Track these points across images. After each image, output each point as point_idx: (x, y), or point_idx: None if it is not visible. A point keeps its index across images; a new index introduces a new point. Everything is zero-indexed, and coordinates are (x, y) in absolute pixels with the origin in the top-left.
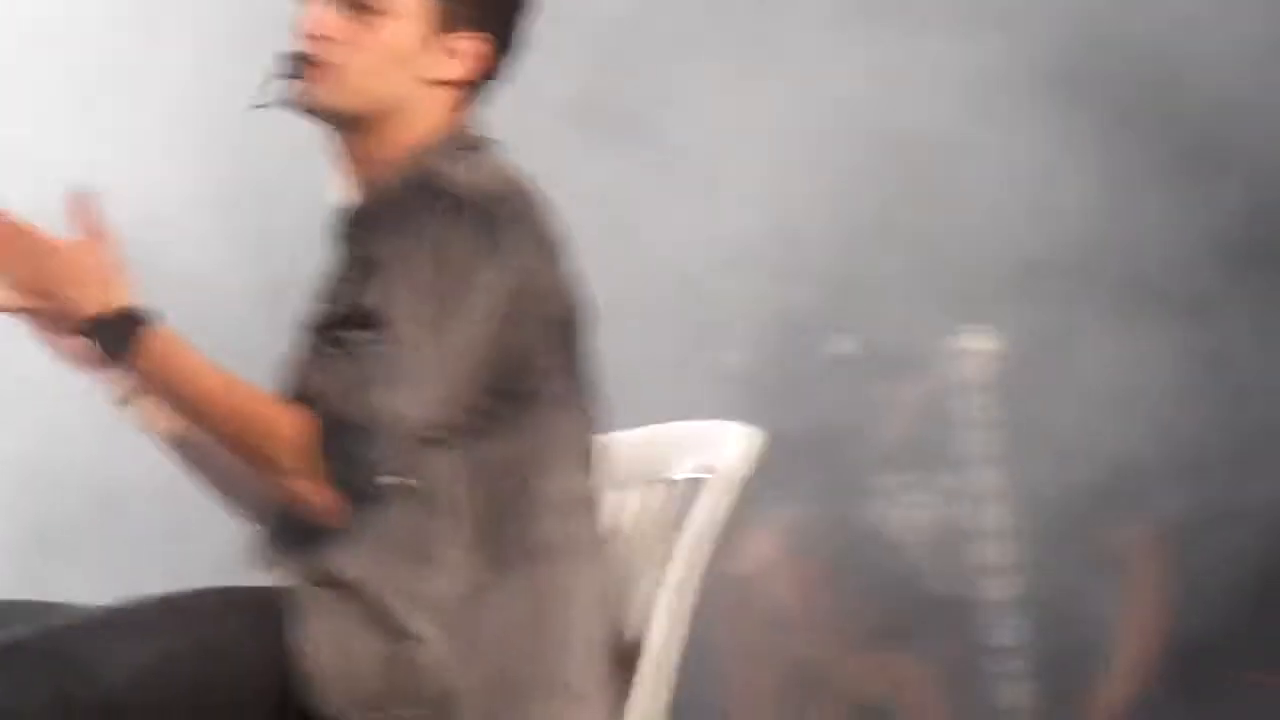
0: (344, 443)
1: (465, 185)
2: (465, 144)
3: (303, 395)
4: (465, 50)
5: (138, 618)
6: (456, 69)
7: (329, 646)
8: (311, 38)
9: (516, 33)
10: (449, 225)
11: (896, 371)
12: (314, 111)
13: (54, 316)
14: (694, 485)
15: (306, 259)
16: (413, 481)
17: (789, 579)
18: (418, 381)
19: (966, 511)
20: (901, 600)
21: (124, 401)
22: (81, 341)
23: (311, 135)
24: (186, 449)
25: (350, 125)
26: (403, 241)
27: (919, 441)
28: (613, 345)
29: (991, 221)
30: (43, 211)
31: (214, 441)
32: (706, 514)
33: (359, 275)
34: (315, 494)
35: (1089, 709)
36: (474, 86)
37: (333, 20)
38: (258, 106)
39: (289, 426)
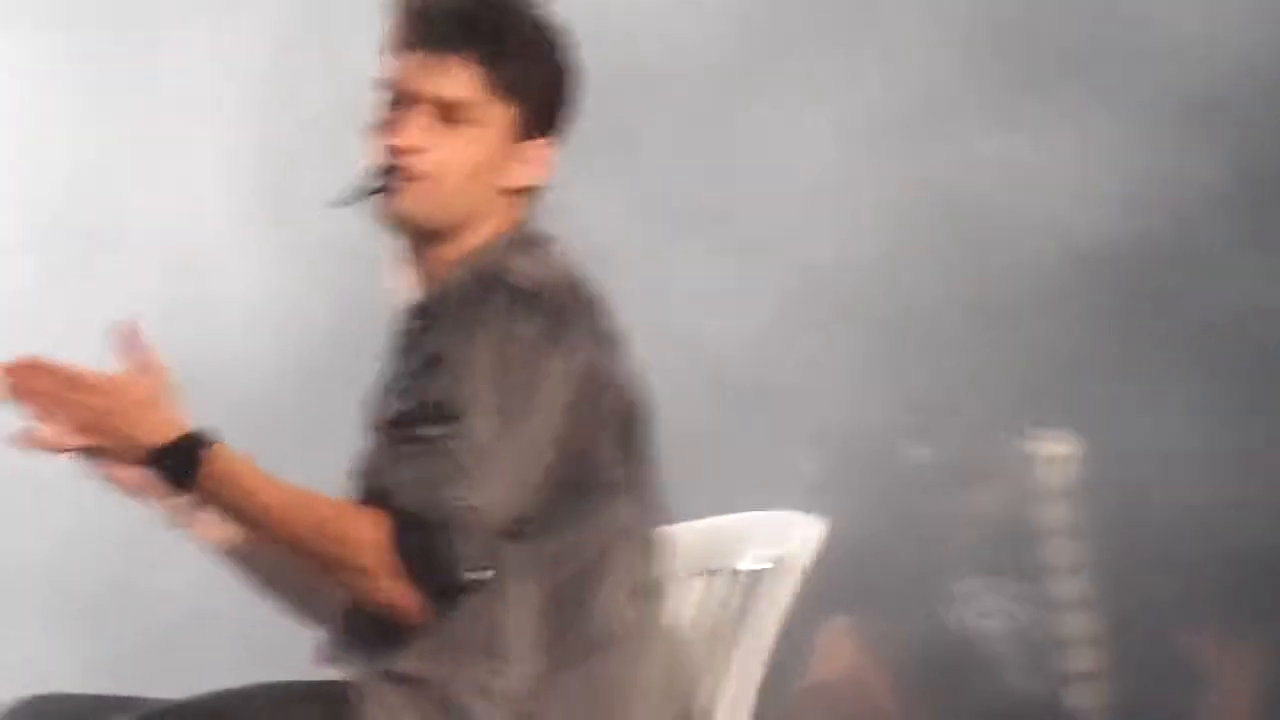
0: (423, 540)
1: (529, 278)
2: (529, 239)
3: (375, 494)
4: (537, 157)
5: (204, 711)
6: (529, 176)
7: None
8: (402, 149)
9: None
10: (514, 318)
11: (977, 478)
12: (400, 222)
13: (112, 454)
14: (757, 576)
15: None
16: (489, 575)
17: (872, 685)
18: (493, 475)
19: (1051, 619)
20: (986, 709)
21: (181, 523)
22: (142, 473)
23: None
24: (248, 560)
25: (429, 235)
26: (469, 335)
27: (1001, 548)
28: (688, 446)
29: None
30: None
31: (282, 552)
32: (769, 603)
33: (425, 370)
34: (398, 594)
35: None
36: (536, 187)
37: (424, 130)
38: (338, 205)
39: (367, 529)
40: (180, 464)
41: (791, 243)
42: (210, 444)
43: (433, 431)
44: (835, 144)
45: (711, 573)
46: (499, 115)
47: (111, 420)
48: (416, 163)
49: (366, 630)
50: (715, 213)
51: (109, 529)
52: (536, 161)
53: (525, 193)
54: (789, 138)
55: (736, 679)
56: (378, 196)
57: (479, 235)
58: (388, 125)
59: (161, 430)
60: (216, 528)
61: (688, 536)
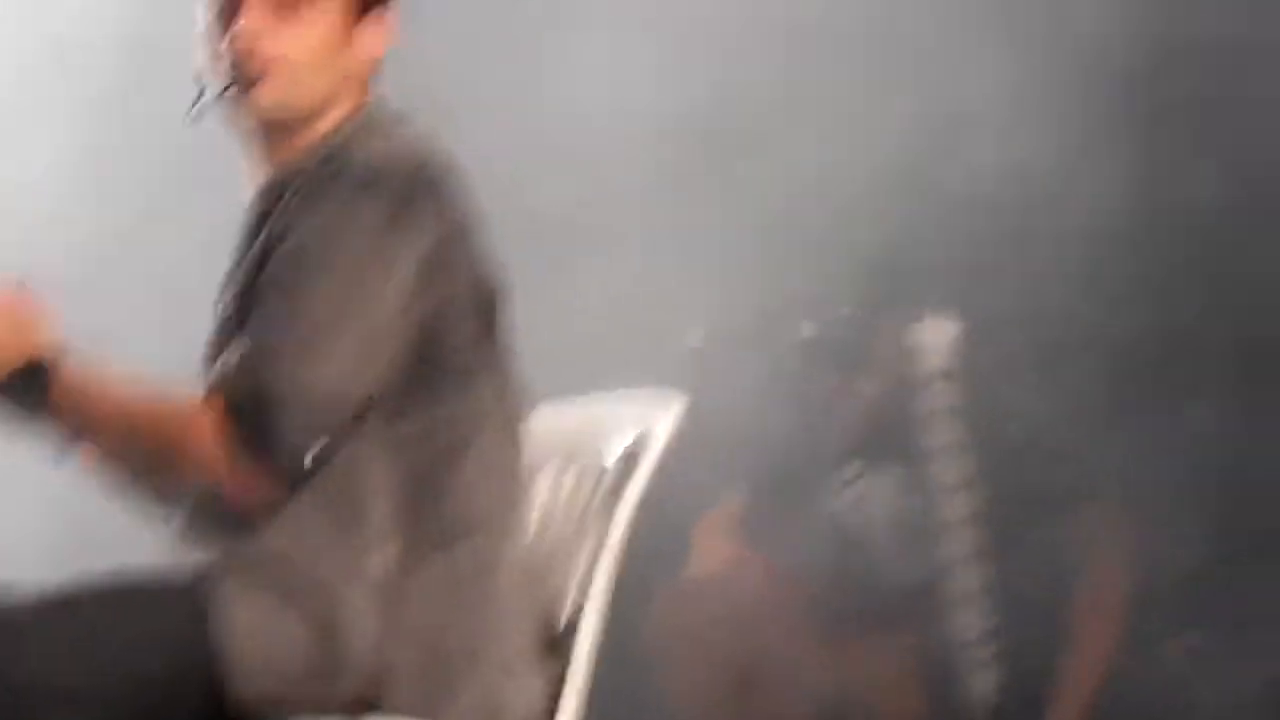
0: (252, 419)
1: (373, 160)
2: (376, 120)
3: (214, 379)
4: (378, 30)
5: (60, 603)
6: (373, 50)
7: (253, 627)
8: (244, 41)
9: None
10: (357, 200)
11: (859, 361)
12: (255, 118)
13: None
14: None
15: None
16: (335, 456)
17: (747, 573)
18: (327, 351)
19: (930, 501)
20: (864, 592)
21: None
22: None
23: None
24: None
25: (283, 126)
26: (311, 218)
27: (883, 432)
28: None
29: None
30: None
31: (134, 457)
32: (636, 490)
33: (264, 253)
34: (244, 478)
35: (1057, 695)
36: (379, 61)
37: (263, 18)
38: (194, 118)
39: (201, 417)
40: (29, 386)
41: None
42: (54, 362)
43: (266, 311)
44: None
45: (572, 458)
46: None
47: None
48: (261, 52)
49: (223, 512)
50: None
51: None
52: (378, 35)
53: (371, 67)
54: None
55: (594, 564)
56: (229, 95)
57: (330, 119)
58: (223, 20)
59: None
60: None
61: (549, 419)
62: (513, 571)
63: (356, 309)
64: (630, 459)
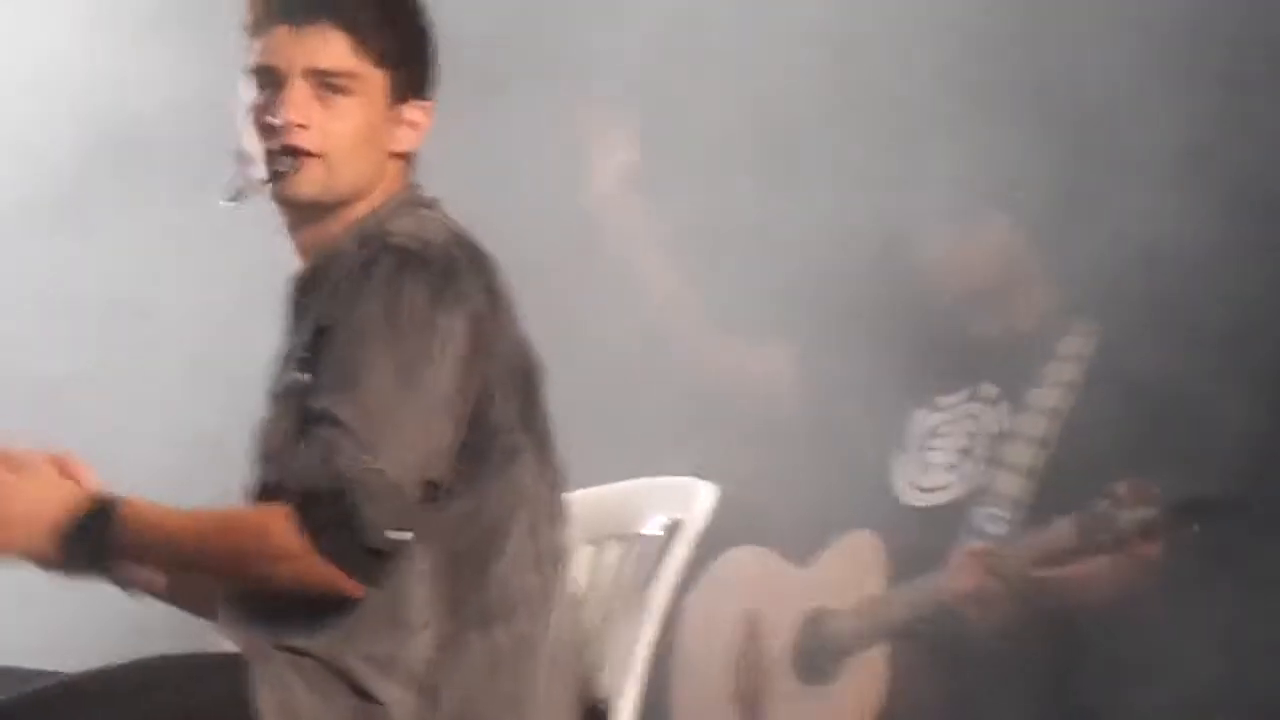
0: (329, 513)
1: (413, 238)
2: (410, 202)
3: (277, 476)
4: (415, 119)
5: (98, 686)
6: (410, 139)
7: (292, 711)
8: (288, 127)
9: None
10: (402, 279)
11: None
12: (300, 203)
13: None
14: (653, 542)
15: None
16: (409, 537)
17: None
18: (394, 437)
19: None
20: None
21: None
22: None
23: None
24: (182, 596)
25: (323, 209)
26: (357, 300)
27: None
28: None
29: None
30: None
31: (210, 577)
32: (665, 569)
33: (316, 339)
34: (325, 573)
35: None
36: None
37: (306, 105)
38: (232, 201)
39: (274, 519)
40: (93, 528)
41: None
42: (116, 507)
43: (327, 401)
44: None
45: (609, 539)
46: (374, 81)
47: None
48: (305, 140)
49: (262, 602)
50: None
51: None
52: (416, 124)
53: (407, 157)
54: None
55: (632, 645)
56: (273, 180)
57: (367, 202)
58: (265, 106)
59: (61, 512)
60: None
61: (587, 502)
62: (552, 650)
63: (417, 391)
64: (668, 539)
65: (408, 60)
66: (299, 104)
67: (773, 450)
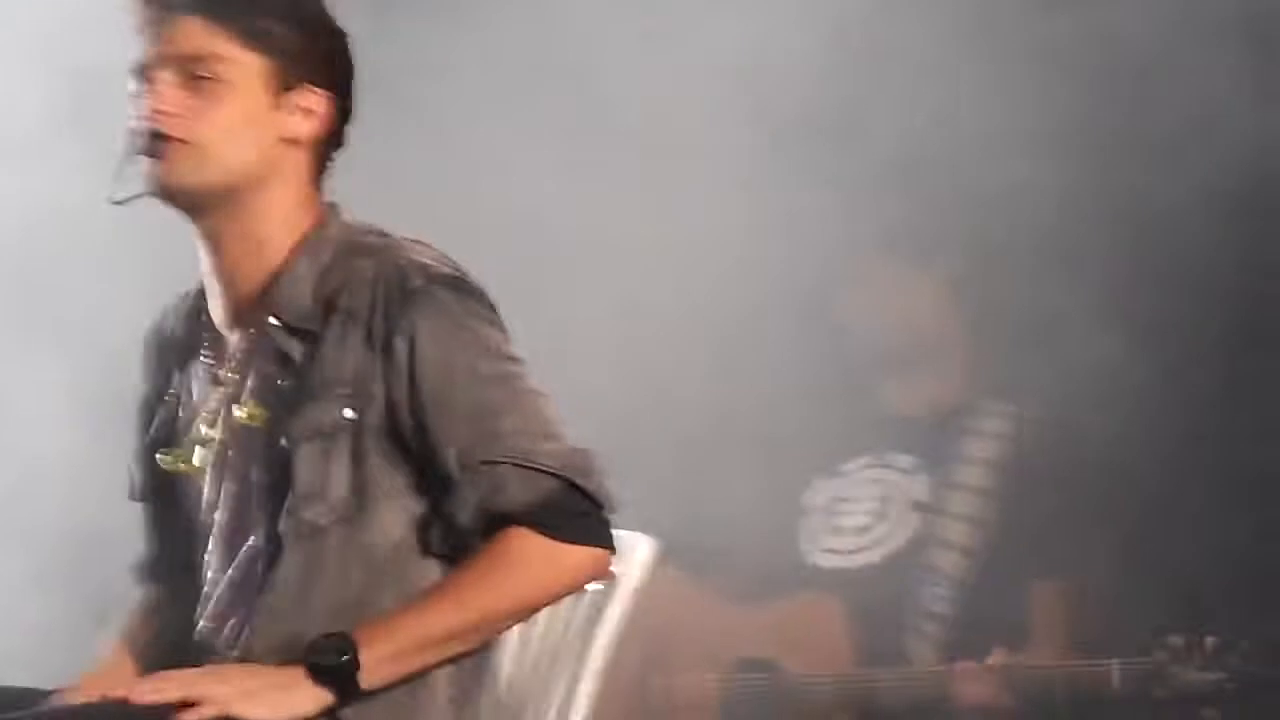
0: (569, 508)
1: (446, 264)
2: (368, 230)
3: (484, 506)
4: (313, 106)
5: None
6: (306, 126)
7: None
8: (153, 116)
9: (350, 93)
10: (465, 305)
11: None
12: (173, 193)
13: None
14: (593, 596)
15: None
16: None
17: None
18: (555, 430)
19: None
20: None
21: None
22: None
23: None
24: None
25: (210, 204)
26: (458, 335)
27: None
28: None
29: None
30: None
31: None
32: (606, 622)
33: (437, 385)
34: (585, 560)
35: None
36: (322, 154)
37: (172, 92)
38: (118, 201)
39: (518, 544)
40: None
41: None
42: (353, 645)
43: (480, 430)
44: None
45: None
46: (248, 66)
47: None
48: (170, 126)
49: None
50: None
51: (87, 469)
52: (310, 111)
53: (311, 157)
54: None
55: (573, 697)
56: (145, 168)
57: (272, 203)
58: (138, 96)
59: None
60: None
61: None
62: (489, 699)
63: (535, 390)
64: (606, 591)
65: (289, 45)
66: (162, 92)
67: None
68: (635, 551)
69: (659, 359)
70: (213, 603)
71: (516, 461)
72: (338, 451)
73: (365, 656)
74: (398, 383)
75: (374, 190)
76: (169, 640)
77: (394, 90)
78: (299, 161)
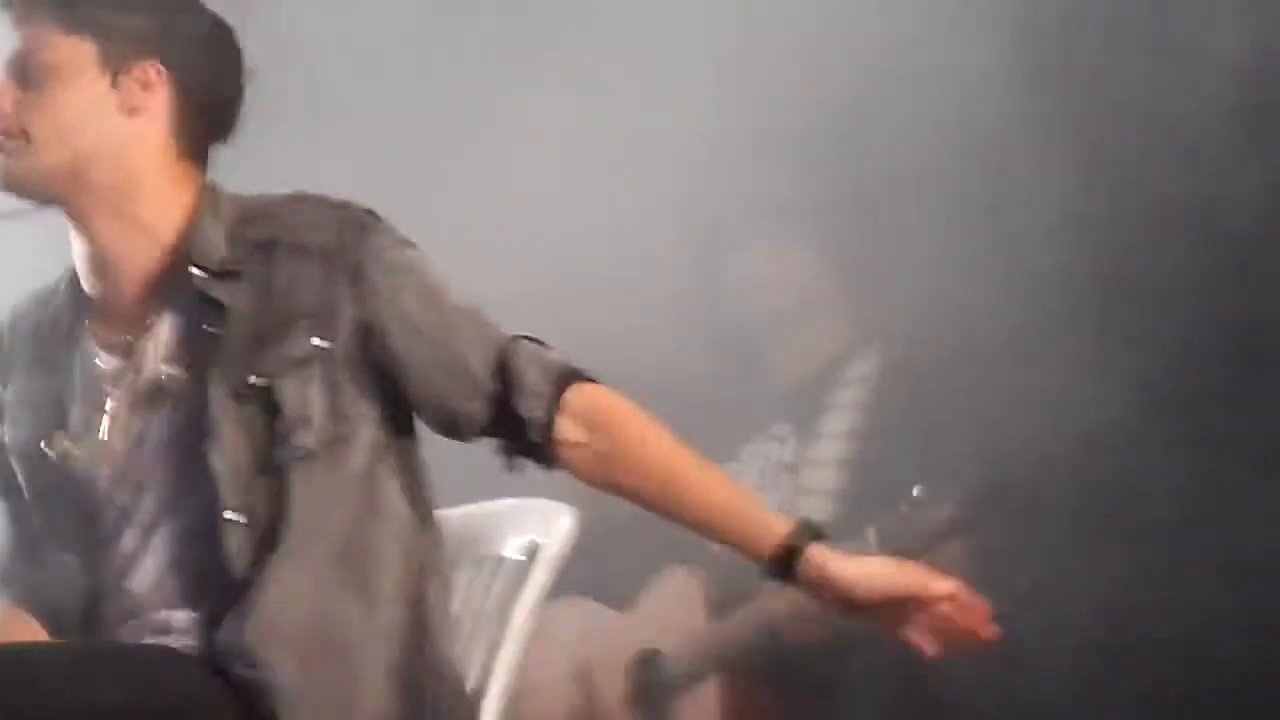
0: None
1: (341, 210)
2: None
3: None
4: (151, 79)
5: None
6: (149, 100)
7: None
8: None
9: (208, 72)
10: (378, 238)
11: None
12: (18, 186)
13: None
14: (516, 564)
15: None
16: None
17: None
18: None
19: None
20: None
21: None
22: None
23: None
24: None
25: (64, 189)
26: (404, 252)
27: None
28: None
29: None
30: None
31: None
32: (529, 591)
33: (328, 300)
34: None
35: None
36: (190, 131)
37: (7, 92)
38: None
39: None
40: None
41: None
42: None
43: (473, 355)
44: None
45: (466, 562)
46: (74, 50)
47: None
48: (5, 123)
49: None
50: None
51: None
52: (146, 84)
53: (162, 123)
54: None
55: (495, 667)
56: None
57: (127, 176)
58: None
59: None
60: None
61: (448, 523)
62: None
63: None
64: (529, 559)
65: (116, 26)
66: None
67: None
68: (558, 520)
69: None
70: (145, 571)
71: (530, 338)
72: (314, 379)
73: None
74: (378, 305)
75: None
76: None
77: None
78: (156, 135)
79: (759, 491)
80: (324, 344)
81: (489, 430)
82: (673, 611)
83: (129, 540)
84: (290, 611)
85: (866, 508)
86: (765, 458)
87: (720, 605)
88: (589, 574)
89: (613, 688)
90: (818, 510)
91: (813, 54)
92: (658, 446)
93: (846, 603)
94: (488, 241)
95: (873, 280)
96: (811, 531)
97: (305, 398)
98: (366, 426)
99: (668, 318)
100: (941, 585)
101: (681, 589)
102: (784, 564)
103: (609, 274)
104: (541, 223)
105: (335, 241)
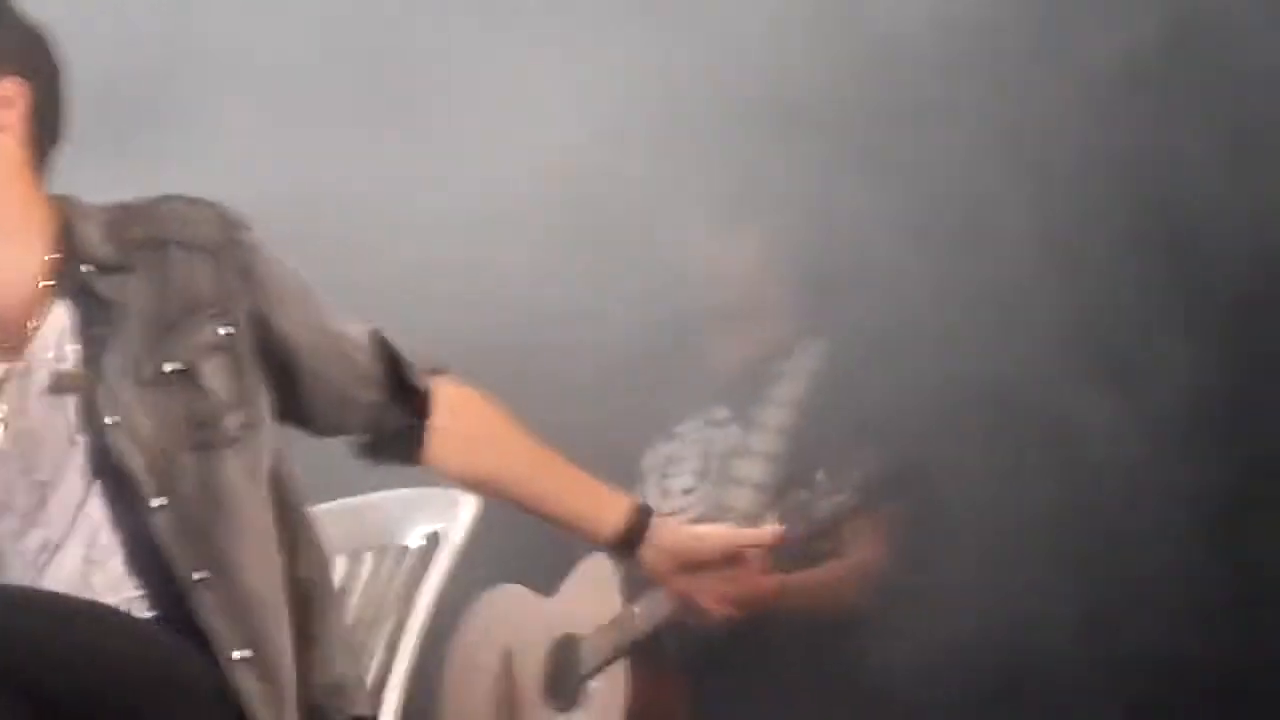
0: None
1: (207, 211)
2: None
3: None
4: (10, 94)
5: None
6: (9, 114)
7: None
8: None
9: (54, 84)
10: (241, 239)
11: None
12: None
13: None
14: (416, 552)
15: None
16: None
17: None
18: None
19: None
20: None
21: None
22: None
23: None
24: None
25: None
26: (272, 269)
27: None
28: None
29: None
30: None
31: None
32: (427, 579)
33: (224, 297)
34: None
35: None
36: (37, 145)
37: None
38: None
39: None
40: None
41: None
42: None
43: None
44: None
45: (368, 550)
46: None
47: None
48: None
49: None
50: None
51: None
52: (6, 99)
53: (16, 137)
54: None
55: (393, 654)
56: None
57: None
58: None
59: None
60: None
61: (344, 512)
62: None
63: None
64: (430, 547)
65: None
66: None
67: None
68: (460, 509)
69: (497, 323)
70: (61, 567)
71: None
72: (226, 366)
73: None
74: (268, 297)
75: None
76: None
77: None
78: (15, 148)
79: (700, 478)
80: (228, 331)
81: (374, 419)
82: (591, 596)
83: (35, 539)
84: (244, 590)
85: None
86: (707, 442)
87: (636, 588)
88: (522, 563)
89: (530, 673)
90: (741, 500)
91: (758, 38)
92: (513, 430)
93: (688, 563)
94: (422, 221)
95: (815, 274)
96: (648, 508)
97: (224, 382)
98: (268, 415)
99: (605, 296)
100: (760, 534)
101: (600, 573)
102: (629, 538)
103: (547, 250)
104: (481, 196)
105: (220, 237)
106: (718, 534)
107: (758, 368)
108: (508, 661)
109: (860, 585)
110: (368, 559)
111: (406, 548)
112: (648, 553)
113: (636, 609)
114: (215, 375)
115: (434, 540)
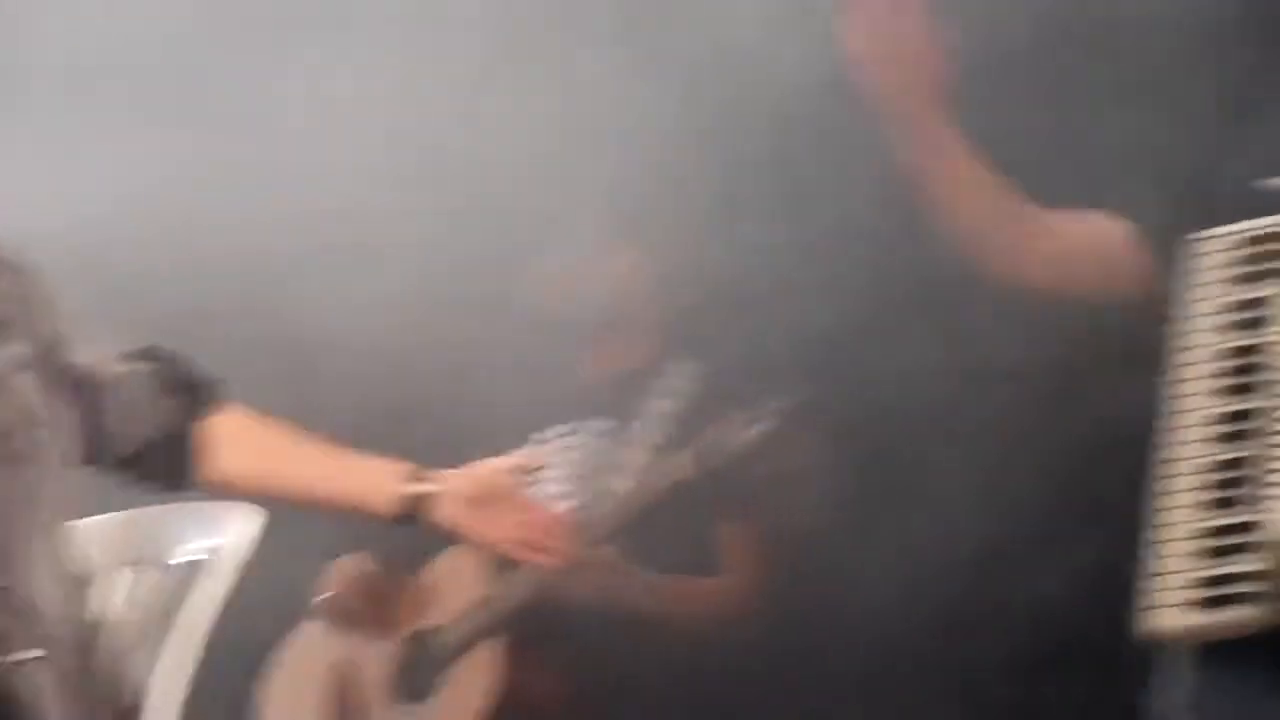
0: None
1: None
2: None
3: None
4: None
5: None
6: None
7: None
8: None
9: None
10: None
11: None
12: None
13: None
14: (192, 566)
15: None
16: None
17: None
18: None
19: None
20: None
21: None
22: None
23: None
24: None
25: None
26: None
27: None
28: None
29: None
30: None
31: None
32: (203, 595)
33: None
34: None
35: None
36: None
37: None
38: None
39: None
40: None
41: None
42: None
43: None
44: None
45: (146, 563)
46: None
47: None
48: None
49: None
50: None
51: None
52: None
53: None
54: None
55: (168, 671)
56: None
57: None
58: None
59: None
60: None
61: (122, 525)
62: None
63: None
64: (204, 565)
65: None
66: None
67: None
68: (241, 524)
69: (358, 330)
70: None
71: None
72: (30, 381)
73: None
74: (57, 317)
75: None
76: None
77: None
78: None
79: (576, 484)
80: (29, 350)
81: (160, 436)
82: (449, 585)
83: None
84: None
85: (654, 515)
86: (583, 450)
87: (500, 570)
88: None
89: (371, 675)
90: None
91: (643, 50)
92: (273, 428)
93: (474, 500)
94: (298, 225)
95: (687, 290)
96: (422, 469)
97: (32, 396)
98: (62, 431)
99: (476, 307)
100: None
101: (460, 561)
102: (415, 502)
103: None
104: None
105: (14, 259)
106: (492, 462)
107: (630, 381)
108: (341, 671)
109: (739, 604)
110: (147, 572)
111: (186, 561)
112: (442, 506)
113: (497, 590)
114: (24, 390)
115: (214, 553)
